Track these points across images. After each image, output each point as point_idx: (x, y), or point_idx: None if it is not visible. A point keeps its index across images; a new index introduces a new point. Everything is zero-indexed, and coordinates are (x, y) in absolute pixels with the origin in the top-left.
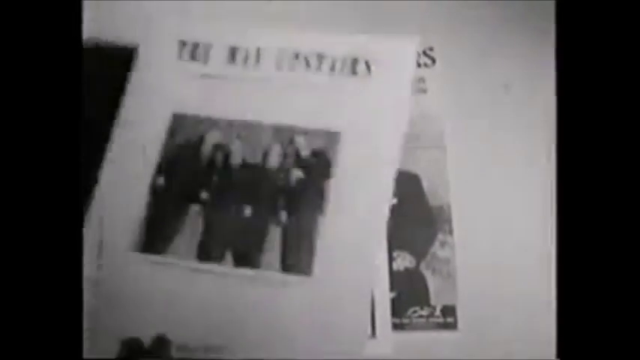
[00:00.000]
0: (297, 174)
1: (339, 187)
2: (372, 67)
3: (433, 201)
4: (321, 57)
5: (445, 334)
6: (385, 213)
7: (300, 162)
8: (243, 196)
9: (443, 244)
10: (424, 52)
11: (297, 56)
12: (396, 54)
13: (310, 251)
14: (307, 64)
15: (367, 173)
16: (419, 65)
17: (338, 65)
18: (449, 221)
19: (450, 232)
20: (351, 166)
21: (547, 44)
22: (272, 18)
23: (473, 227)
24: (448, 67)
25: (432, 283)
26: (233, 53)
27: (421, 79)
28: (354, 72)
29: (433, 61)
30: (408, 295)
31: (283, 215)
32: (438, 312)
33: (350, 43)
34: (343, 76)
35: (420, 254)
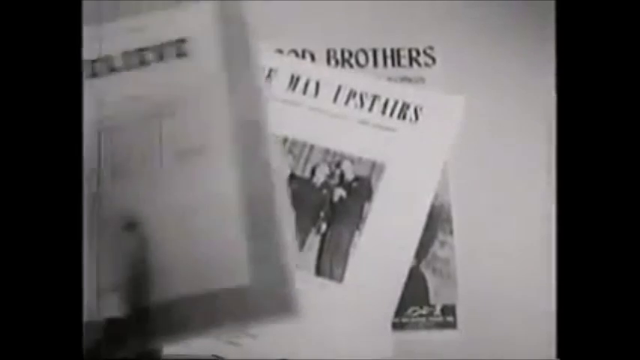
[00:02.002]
0: (340, 193)
1: (377, 211)
2: (420, 115)
3: (433, 201)
4: (375, 98)
5: (445, 334)
6: (417, 238)
7: (344, 183)
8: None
9: (443, 243)
10: (424, 52)
11: (353, 94)
12: (443, 108)
13: (344, 261)
14: (362, 102)
15: (404, 203)
16: (419, 64)
17: (389, 108)
18: (449, 221)
19: (450, 232)
20: (390, 195)
21: (547, 44)
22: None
23: (473, 227)
24: (448, 67)
25: (432, 282)
26: (294, 82)
27: (421, 79)
28: (403, 116)
29: (433, 60)
30: (408, 295)
31: (323, 226)
32: (437, 311)
33: (403, 90)
34: (393, 118)
35: (420, 254)
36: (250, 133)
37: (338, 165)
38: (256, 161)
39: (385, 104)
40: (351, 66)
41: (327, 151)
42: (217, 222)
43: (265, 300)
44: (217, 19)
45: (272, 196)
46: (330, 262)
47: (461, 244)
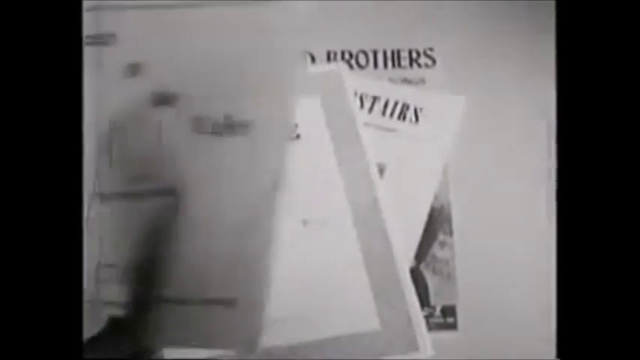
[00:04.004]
0: None
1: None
2: (420, 116)
3: (433, 201)
4: (375, 99)
5: (445, 334)
6: (417, 238)
7: None
8: None
9: (443, 244)
10: (424, 52)
11: (354, 95)
12: (443, 109)
13: None
14: (362, 103)
15: (404, 204)
16: (419, 65)
17: (389, 108)
18: (449, 222)
19: (450, 232)
20: (390, 196)
21: (547, 44)
22: None
23: (473, 228)
24: (448, 68)
25: (432, 283)
26: None
27: (421, 80)
28: (403, 117)
29: (433, 61)
30: None
31: None
32: (438, 312)
33: (403, 91)
34: (393, 119)
35: (420, 255)
36: (365, 205)
37: None
38: (374, 228)
39: (385, 105)
40: (351, 67)
41: None
42: (346, 281)
43: (395, 341)
44: (326, 107)
45: (391, 252)
46: None
47: (461, 245)
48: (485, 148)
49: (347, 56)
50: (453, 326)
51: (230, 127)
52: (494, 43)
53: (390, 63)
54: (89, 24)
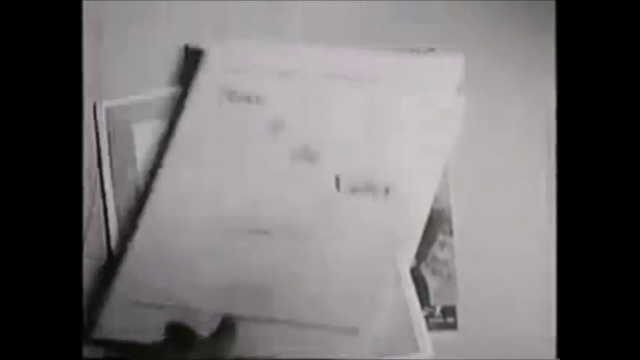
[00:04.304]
0: None
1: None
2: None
3: (433, 203)
4: None
5: (445, 334)
6: (418, 235)
7: None
8: None
9: (443, 245)
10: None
11: None
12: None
13: None
14: None
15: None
16: None
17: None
18: (449, 222)
19: (450, 233)
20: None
21: (547, 44)
22: None
23: (473, 228)
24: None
25: (432, 283)
26: None
27: None
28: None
29: None
30: None
31: None
32: (438, 312)
33: None
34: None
35: (420, 255)
36: None
37: None
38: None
39: None
40: None
41: None
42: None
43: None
44: None
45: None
46: None
47: (461, 246)
48: (485, 148)
49: None
50: (453, 326)
51: (369, 188)
52: (494, 43)
53: None
54: (236, 83)
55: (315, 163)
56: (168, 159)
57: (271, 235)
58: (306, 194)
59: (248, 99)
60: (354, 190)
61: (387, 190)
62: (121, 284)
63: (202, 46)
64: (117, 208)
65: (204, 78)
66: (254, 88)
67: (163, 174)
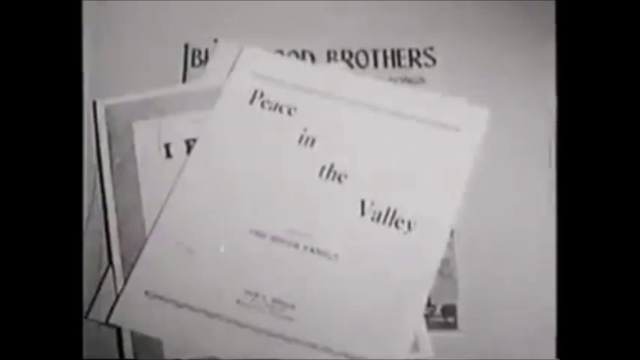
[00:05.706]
0: None
1: None
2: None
3: None
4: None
5: (445, 334)
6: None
7: None
8: None
9: None
10: (424, 53)
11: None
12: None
13: None
14: None
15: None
16: (419, 65)
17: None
18: None
19: (451, 232)
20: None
21: (547, 44)
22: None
23: (473, 228)
24: (448, 67)
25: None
26: None
27: (421, 79)
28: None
29: (433, 61)
30: None
31: None
32: (438, 312)
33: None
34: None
35: None
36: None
37: None
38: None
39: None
40: (351, 66)
41: None
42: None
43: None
44: None
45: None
46: None
47: (461, 245)
48: (484, 149)
49: (347, 56)
50: (453, 326)
51: (393, 219)
52: (494, 43)
53: (390, 62)
54: (269, 90)
55: (343, 185)
56: (194, 155)
57: (298, 249)
58: (334, 213)
59: (280, 108)
60: (377, 219)
61: (409, 226)
62: (139, 274)
63: (204, 46)
64: (117, 206)
65: (238, 79)
66: (287, 99)
67: (188, 172)
